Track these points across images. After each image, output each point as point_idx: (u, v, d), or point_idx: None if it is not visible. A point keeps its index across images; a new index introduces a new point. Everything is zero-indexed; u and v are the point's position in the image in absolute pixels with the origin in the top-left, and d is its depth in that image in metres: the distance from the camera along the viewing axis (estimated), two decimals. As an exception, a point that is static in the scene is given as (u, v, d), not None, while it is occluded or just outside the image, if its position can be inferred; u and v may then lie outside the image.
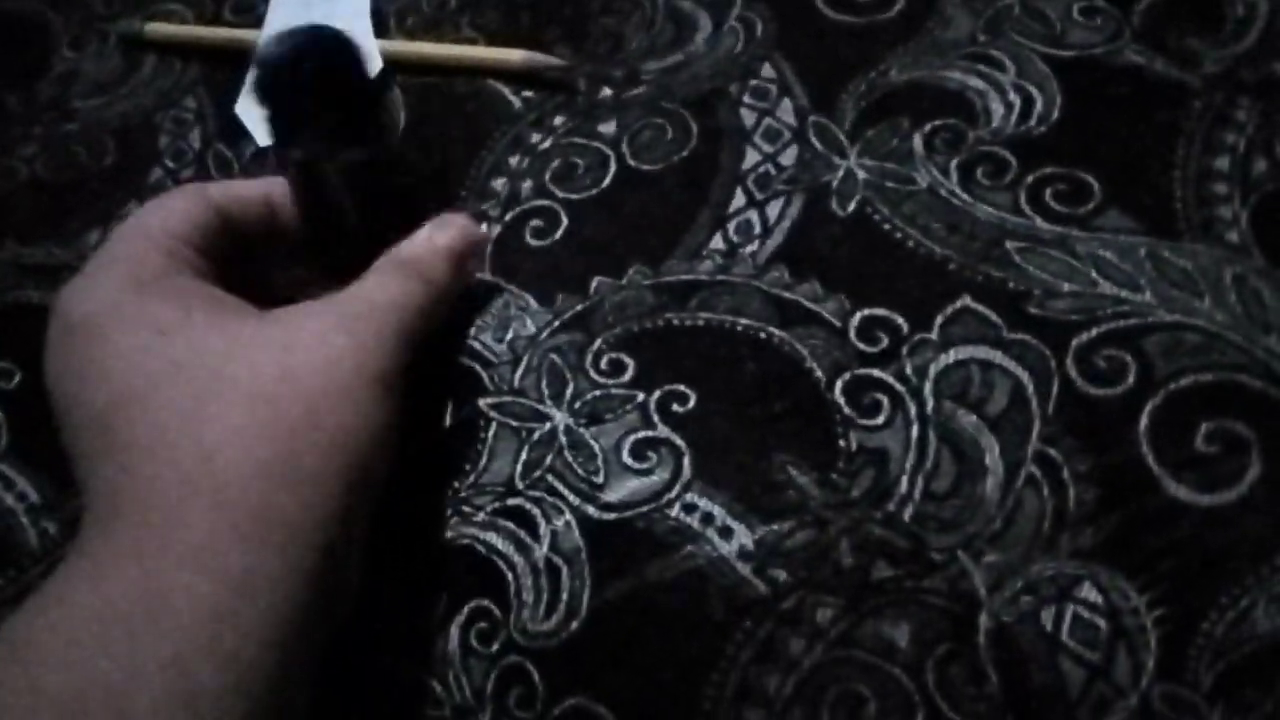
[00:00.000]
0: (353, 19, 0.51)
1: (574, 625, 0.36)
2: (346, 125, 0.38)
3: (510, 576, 0.38)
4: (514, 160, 0.47)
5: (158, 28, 0.53)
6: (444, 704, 0.36)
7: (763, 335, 0.41)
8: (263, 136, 0.50)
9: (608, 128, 0.47)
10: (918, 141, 0.44)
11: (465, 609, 0.37)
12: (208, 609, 0.28)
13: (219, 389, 0.31)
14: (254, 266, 0.38)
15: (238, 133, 0.50)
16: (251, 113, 0.51)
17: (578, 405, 0.40)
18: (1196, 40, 0.45)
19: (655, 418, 0.39)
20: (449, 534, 0.38)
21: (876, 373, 0.40)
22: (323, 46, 0.39)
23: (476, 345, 0.42)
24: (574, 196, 0.45)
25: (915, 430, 0.38)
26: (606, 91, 0.48)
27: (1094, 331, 0.39)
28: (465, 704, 0.36)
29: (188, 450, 0.30)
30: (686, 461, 0.38)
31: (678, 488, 0.38)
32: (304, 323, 0.33)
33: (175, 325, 0.32)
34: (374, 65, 0.50)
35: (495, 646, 0.37)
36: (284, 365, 0.31)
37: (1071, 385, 0.39)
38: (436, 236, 0.38)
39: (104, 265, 0.34)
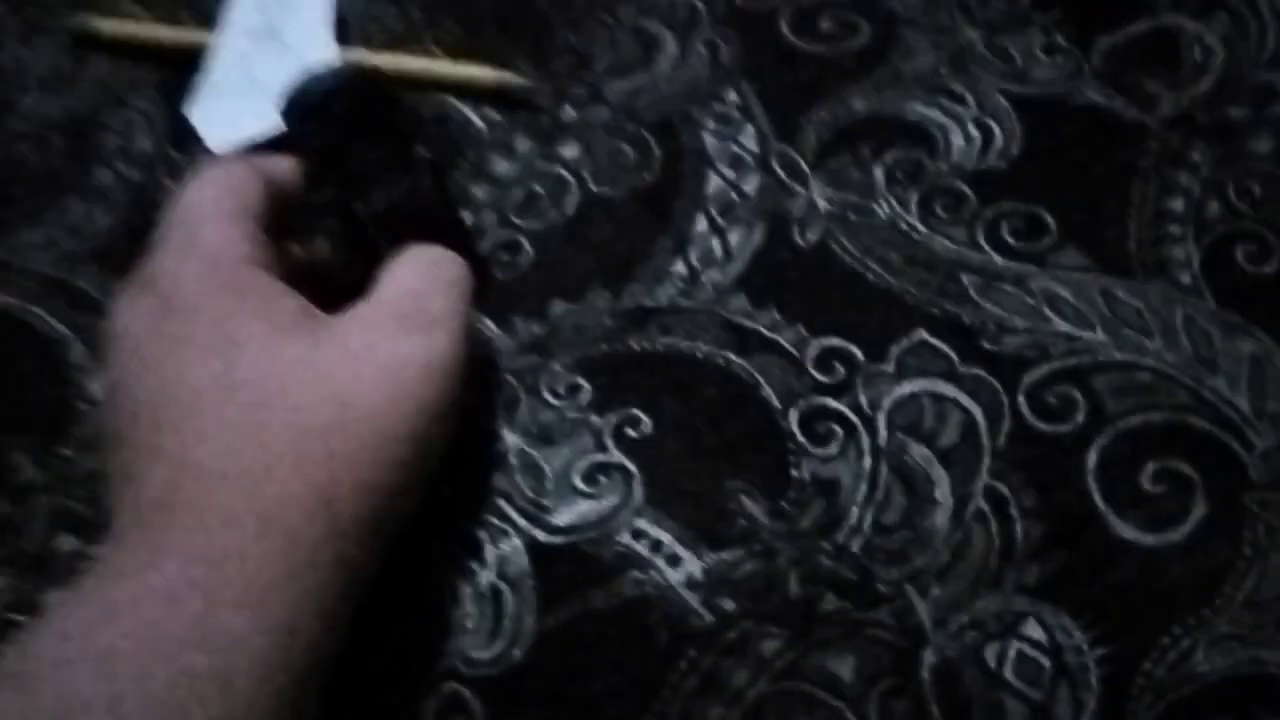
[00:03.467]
0: (313, 27, 0.52)
1: (516, 653, 0.37)
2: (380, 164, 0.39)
3: (452, 601, 0.38)
4: (479, 192, 0.47)
5: (111, 23, 0.54)
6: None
7: (720, 361, 0.42)
8: (213, 140, 0.50)
9: (570, 150, 0.48)
10: (878, 173, 0.46)
11: (404, 635, 0.38)
12: (251, 658, 0.28)
13: (278, 420, 0.31)
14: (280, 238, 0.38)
15: (187, 135, 0.50)
16: (204, 118, 0.51)
17: (530, 427, 0.41)
18: (1154, 82, 0.47)
19: (609, 442, 0.40)
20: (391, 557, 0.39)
21: (831, 402, 0.41)
22: (354, 88, 0.39)
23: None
24: (537, 225, 0.46)
25: (867, 461, 0.39)
26: (570, 112, 0.49)
27: (1045, 368, 0.41)
28: (405, 728, 0.37)
29: (240, 478, 0.30)
30: (637, 486, 0.39)
31: (627, 513, 0.38)
32: (367, 351, 0.33)
33: (252, 339, 0.32)
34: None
35: (436, 673, 0.37)
36: (342, 403, 0.32)
37: (1022, 421, 0.40)
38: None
39: (189, 247, 0.34)
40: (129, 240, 0.47)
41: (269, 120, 0.50)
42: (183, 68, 0.52)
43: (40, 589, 0.40)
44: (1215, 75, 0.46)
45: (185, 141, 0.50)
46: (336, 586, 0.30)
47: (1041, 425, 0.39)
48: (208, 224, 0.35)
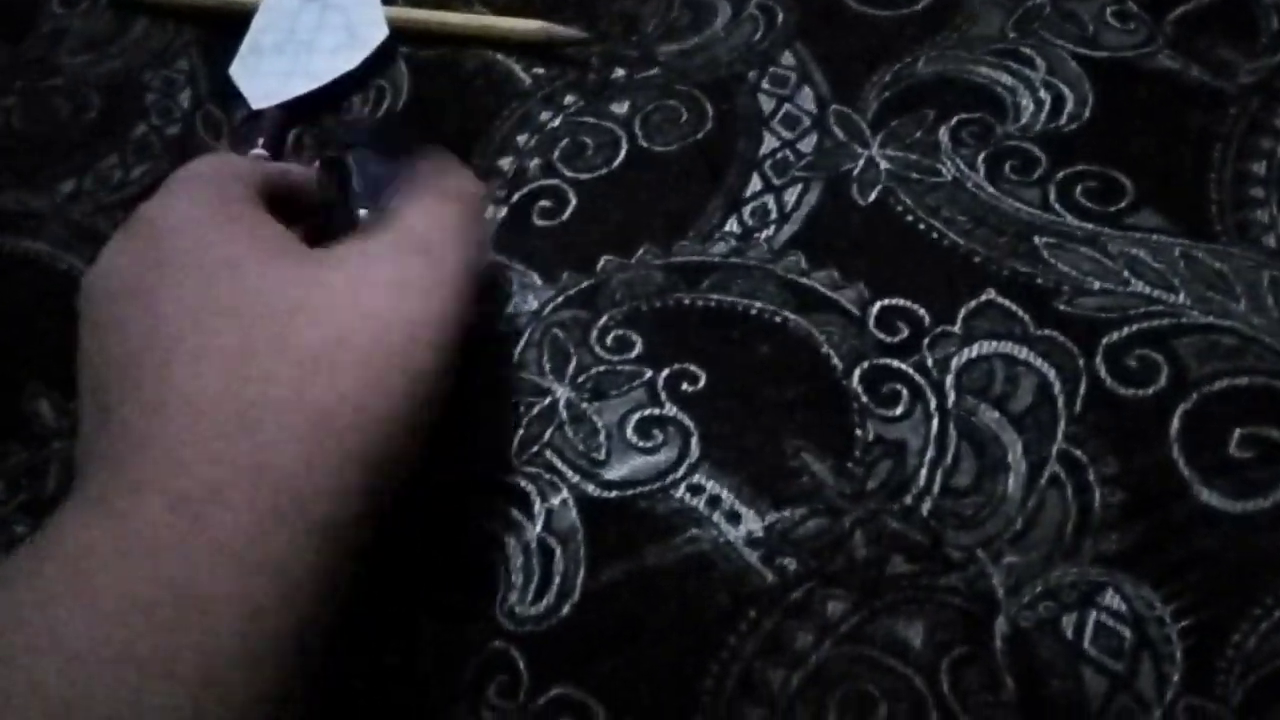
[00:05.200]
0: (359, -15, 0.51)
1: (565, 610, 0.35)
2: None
3: (498, 557, 0.36)
4: (522, 139, 0.46)
5: (152, -13, 0.53)
6: (420, 692, 0.35)
7: (777, 320, 0.40)
8: (254, 98, 0.49)
9: (620, 108, 0.46)
10: (944, 134, 0.44)
11: (447, 591, 0.36)
12: (239, 608, 0.26)
13: (272, 347, 0.29)
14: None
15: (230, 93, 0.49)
16: (244, 75, 0.50)
17: (581, 380, 0.39)
18: (1230, 50, 0.45)
19: (663, 395, 0.38)
20: (432, 512, 0.37)
21: (896, 363, 0.39)
22: None
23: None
24: (583, 176, 0.45)
25: (935, 424, 0.38)
26: (619, 72, 0.48)
27: (1125, 331, 0.39)
28: (442, 692, 0.35)
29: (230, 412, 0.28)
30: (694, 441, 0.37)
31: (684, 468, 0.37)
32: (368, 272, 0.31)
33: (243, 260, 0.30)
34: (379, 32, 0.49)
35: (478, 631, 0.35)
36: (341, 328, 0.29)
37: (1100, 385, 0.38)
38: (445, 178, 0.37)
39: (187, 181, 0.33)
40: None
41: (311, 78, 0.49)
42: (223, 29, 0.51)
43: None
44: (1296, 39, 0.45)
45: (229, 101, 0.49)
46: (336, 530, 0.28)
47: (1121, 389, 0.37)
48: (202, 177, 0.33)
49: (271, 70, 0.49)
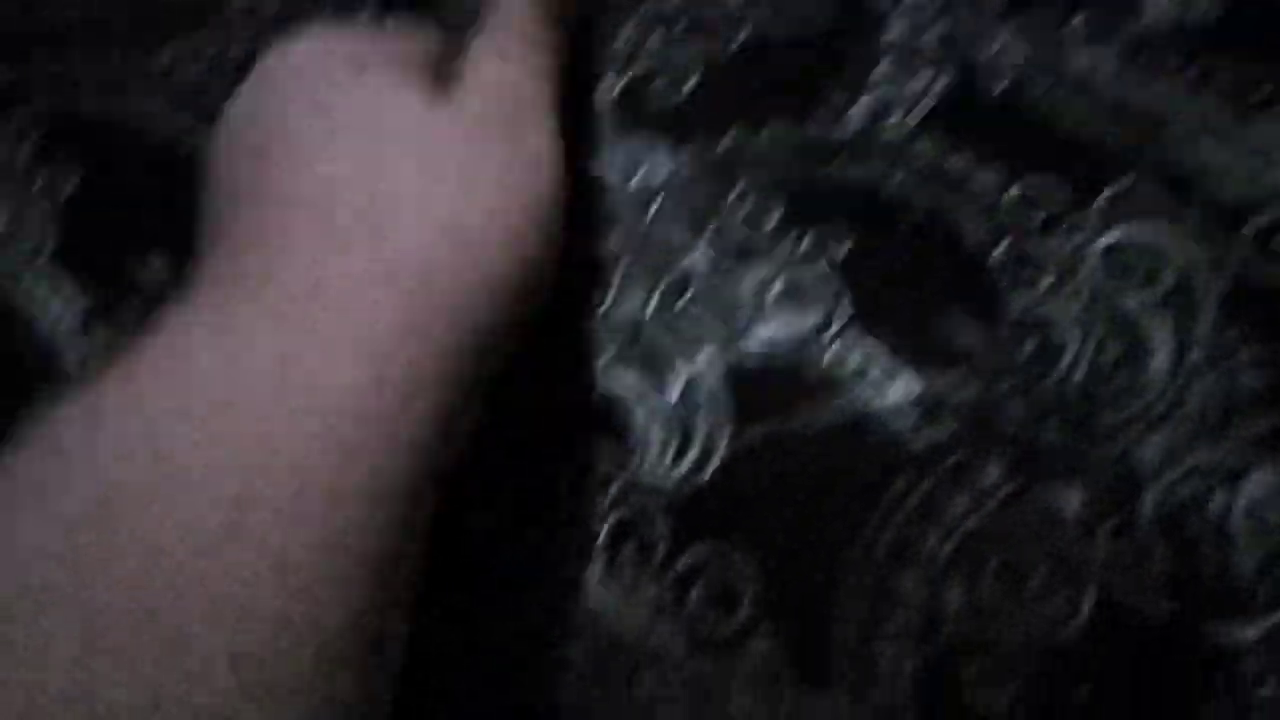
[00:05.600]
0: None
1: (706, 473, 0.34)
2: None
3: (635, 420, 0.35)
4: (637, 14, 0.45)
5: None
6: (549, 557, 0.34)
7: (914, 198, 0.39)
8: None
9: (740, -10, 0.45)
10: (1077, 23, 0.43)
11: (580, 453, 0.35)
12: (355, 405, 0.25)
13: (400, 150, 0.28)
14: None
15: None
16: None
17: (717, 246, 0.38)
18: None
19: (806, 260, 0.37)
20: (566, 375, 0.36)
21: (1037, 245, 0.38)
22: None
23: (605, 179, 0.40)
24: (703, 54, 0.44)
25: (1079, 304, 0.37)
26: (738, -46, 0.46)
27: (1270, 214, 0.38)
28: (574, 554, 0.34)
29: (358, 213, 0.27)
30: (842, 304, 0.36)
31: (834, 329, 0.36)
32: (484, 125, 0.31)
33: (373, 68, 0.29)
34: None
35: (610, 496, 0.34)
36: (472, 156, 0.29)
37: (1247, 268, 0.37)
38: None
39: (319, 36, 0.33)
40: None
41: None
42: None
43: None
44: None
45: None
46: (456, 360, 0.27)
47: (1268, 271, 0.36)
48: (334, 36, 0.33)
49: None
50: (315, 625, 0.22)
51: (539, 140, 0.32)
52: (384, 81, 0.31)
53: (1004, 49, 0.43)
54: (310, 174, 0.28)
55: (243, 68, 0.45)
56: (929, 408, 0.35)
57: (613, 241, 0.38)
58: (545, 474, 0.35)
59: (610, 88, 0.43)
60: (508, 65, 0.33)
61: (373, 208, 0.27)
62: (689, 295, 0.37)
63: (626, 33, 0.45)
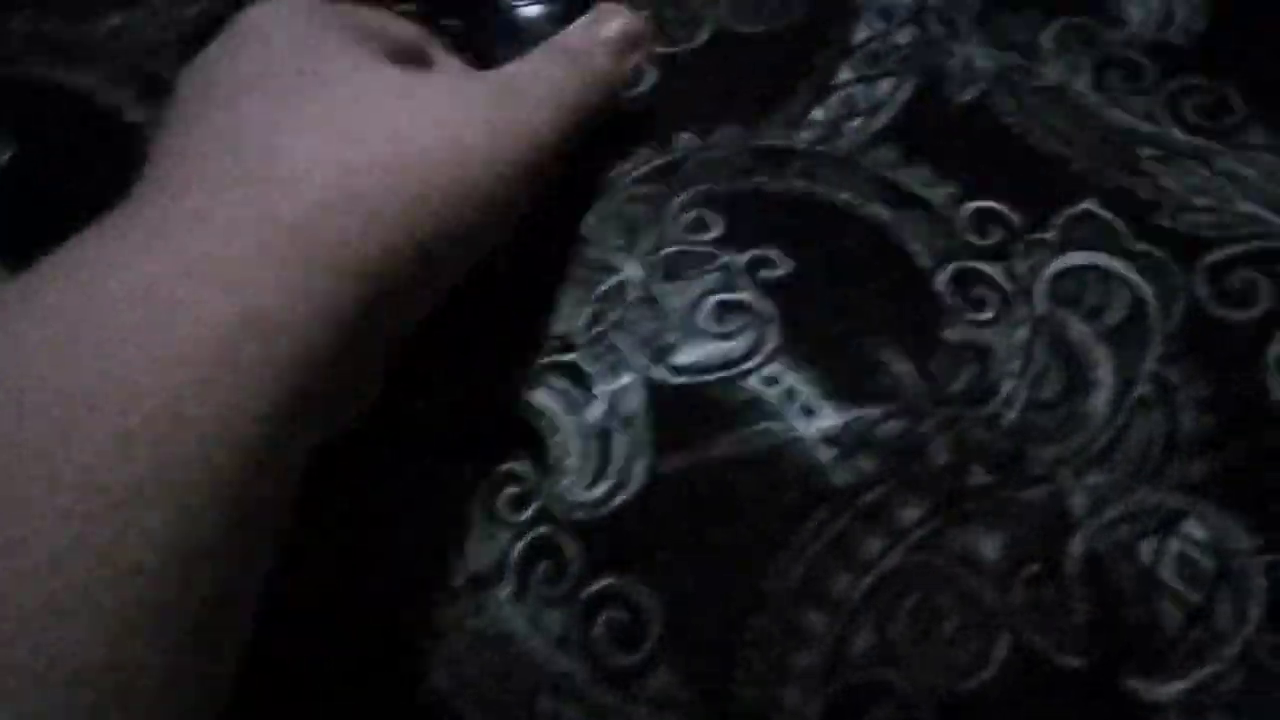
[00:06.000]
0: None
1: (622, 497, 0.33)
2: None
3: (554, 439, 0.34)
4: (597, 6, 0.43)
5: None
6: (458, 573, 0.33)
7: (864, 213, 0.38)
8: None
9: (705, -17, 0.44)
10: (1047, 36, 0.41)
11: (494, 471, 0.34)
12: (214, 337, 0.24)
13: (323, 114, 0.28)
14: None
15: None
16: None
17: (653, 259, 0.37)
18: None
19: (741, 281, 0.36)
20: (485, 387, 0.35)
21: (986, 267, 0.37)
22: None
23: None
24: (663, 50, 0.42)
25: (1024, 332, 0.36)
26: (706, -54, 0.45)
27: (1228, 250, 0.36)
28: (483, 573, 0.33)
29: (263, 152, 0.27)
30: (771, 329, 0.35)
31: (760, 357, 0.35)
32: (449, 82, 0.31)
33: (321, 45, 0.30)
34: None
35: (526, 514, 0.34)
36: (411, 111, 0.29)
37: (1199, 305, 0.36)
38: (597, 27, 0.36)
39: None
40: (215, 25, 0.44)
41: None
42: None
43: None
44: None
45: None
46: (339, 302, 0.26)
47: (1220, 311, 0.35)
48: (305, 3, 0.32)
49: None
50: (139, 567, 0.22)
51: (529, 112, 0.31)
52: (346, 38, 0.30)
53: (974, 56, 0.41)
54: (234, 117, 0.28)
55: (186, 44, 0.44)
56: (851, 443, 0.34)
57: (550, 246, 0.37)
58: (461, 478, 0.35)
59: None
60: (524, 64, 0.33)
61: (278, 151, 0.27)
62: (616, 312, 0.36)
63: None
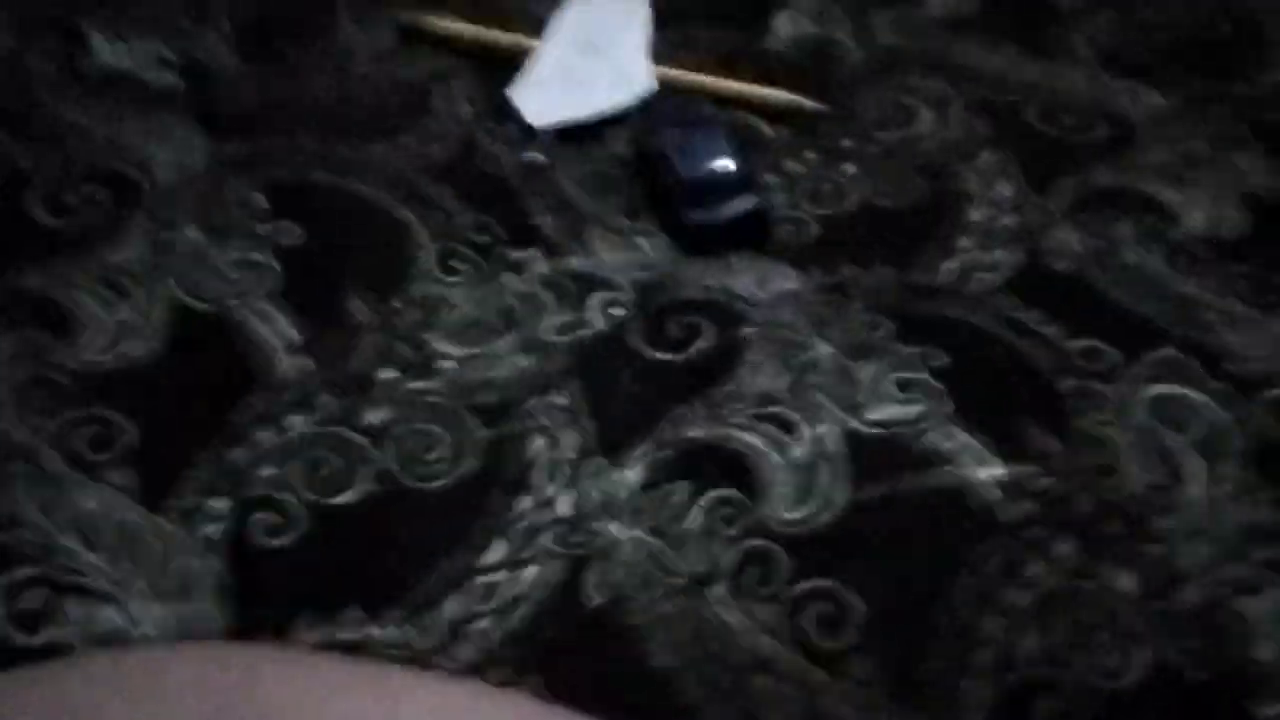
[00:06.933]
0: (633, 48, 0.60)
1: (825, 517, 0.40)
2: None
3: (763, 471, 0.41)
4: (771, 179, 0.54)
5: (436, 21, 0.61)
6: (681, 574, 0.39)
7: (996, 334, 0.47)
8: (532, 116, 0.57)
9: (850, 168, 0.55)
10: (1125, 228, 0.52)
11: (709, 494, 0.41)
12: None
13: None
14: None
15: (507, 112, 0.57)
16: (524, 98, 0.58)
17: (841, 341, 0.45)
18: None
19: (914, 363, 0.44)
20: (701, 431, 0.43)
21: (1096, 384, 0.46)
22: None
23: (737, 288, 0.48)
24: (823, 211, 0.53)
25: (1131, 435, 0.44)
26: (847, 142, 0.56)
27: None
28: (702, 575, 0.39)
29: None
30: (945, 400, 0.43)
31: (938, 418, 0.43)
32: None
33: None
34: (649, 83, 0.58)
35: (738, 530, 0.40)
36: None
37: (1263, 429, 0.45)
38: None
39: None
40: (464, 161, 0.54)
41: (582, 110, 0.57)
42: (495, 64, 0.60)
43: (357, 408, 0.43)
44: None
45: (504, 117, 0.57)
46: None
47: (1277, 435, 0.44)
48: None
49: (548, 98, 0.57)
50: None
51: None
52: None
53: (1065, 240, 0.52)
54: None
55: (446, 168, 0.54)
56: (1013, 489, 0.41)
57: (743, 331, 0.46)
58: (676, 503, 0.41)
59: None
60: None
61: None
62: (814, 377, 0.44)
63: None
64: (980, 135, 0.57)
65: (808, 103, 0.56)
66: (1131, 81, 0.59)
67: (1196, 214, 0.53)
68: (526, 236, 0.51)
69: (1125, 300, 0.49)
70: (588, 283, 0.49)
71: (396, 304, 0.47)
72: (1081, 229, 0.53)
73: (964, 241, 0.52)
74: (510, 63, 0.60)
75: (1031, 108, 0.58)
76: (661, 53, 0.61)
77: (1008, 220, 0.53)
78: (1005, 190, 0.55)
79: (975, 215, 0.53)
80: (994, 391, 0.44)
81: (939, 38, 0.62)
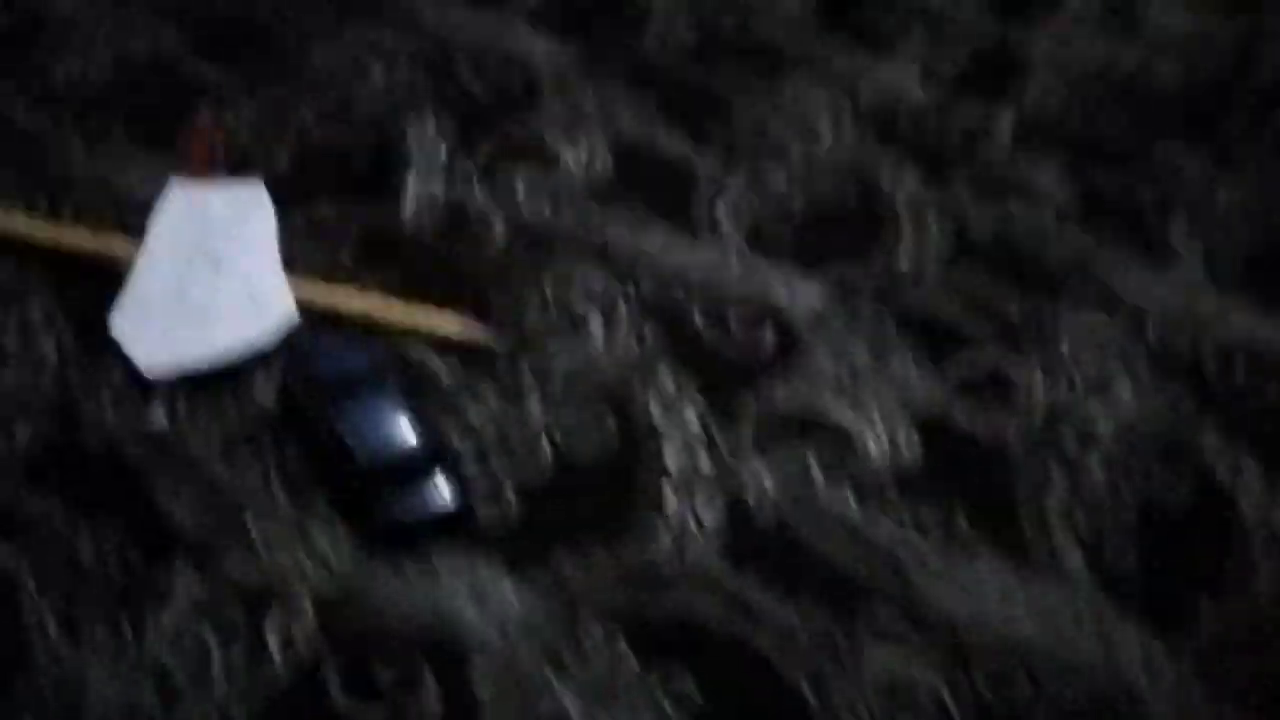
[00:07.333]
0: (261, 253, 0.49)
1: None
2: None
3: None
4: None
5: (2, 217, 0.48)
6: None
7: (727, 627, 0.44)
8: (144, 361, 0.46)
9: (535, 408, 0.50)
10: (811, 459, 0.52)
11: None
12: None
13: None
14: None
15: (114, 351, 0.46)
16: (131, 333, 0.46)
17: (584, 680, 0.41)
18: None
19: (663, 694, 0.41)
20: None
21: (835, 669, 0.45)
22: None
23: (455, 612, 0.41)
24: (520, 477, 0.47)
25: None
26: (524, 370, 0.51)
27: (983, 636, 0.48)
28: None
29: None
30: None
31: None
32: None
33: None
34: (285, 308, 0.48)
35: None
36: None
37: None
38: None
39: None
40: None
41: (207, 348, 0.46)
42: (81, 274, 0.48)
43: None
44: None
45: (105, 351, 0.46)
46: None
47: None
48: None
49: (163, 332, 0.46)
50: None
51: None
52: None
53: (764, 485, 0.51)
54: None
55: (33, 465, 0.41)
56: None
57: (474, 675, 0.40)
58: None
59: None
60: None
61: None
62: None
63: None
64: (654, 347, 0.55)
65: (478, 334, 0.50)
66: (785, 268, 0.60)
67: (872, 443, 0.54)
68: (164, 544, 0.41)
69: (830, 551, 0.49)
70: (257, 602, 0.40)
71: None
72: (776, 469, 0.52)
73: (669, 496, 0.49)
74: (103, 271, 0.48)
75: (697, 305, 0.57)
76: (290, 248, 0.51)
77: (704, 463, 0.51)
78: (693, 420, 0.52)
79: (670, 458, 0.51)
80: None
81: (586, 210, 0.59)
